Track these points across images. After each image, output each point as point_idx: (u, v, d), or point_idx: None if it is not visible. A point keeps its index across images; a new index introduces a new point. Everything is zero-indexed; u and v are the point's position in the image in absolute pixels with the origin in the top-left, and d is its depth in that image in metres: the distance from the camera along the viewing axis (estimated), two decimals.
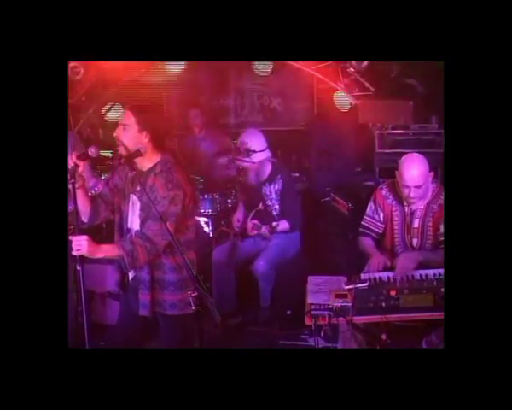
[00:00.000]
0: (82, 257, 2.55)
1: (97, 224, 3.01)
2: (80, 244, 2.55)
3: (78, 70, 5.28)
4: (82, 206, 2.85)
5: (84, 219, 2.90)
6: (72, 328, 3.53)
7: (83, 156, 2.73)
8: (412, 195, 3.38)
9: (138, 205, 2.81)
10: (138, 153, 2.77)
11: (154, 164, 2.84)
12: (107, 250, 2.72)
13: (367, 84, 5.44)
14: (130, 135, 2.79)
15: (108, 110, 5.97)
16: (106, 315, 4.22)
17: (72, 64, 5.12)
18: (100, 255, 2.69)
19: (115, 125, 2.92)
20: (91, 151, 2.79)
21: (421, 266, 3.32)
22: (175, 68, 5.84)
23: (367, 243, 3.61)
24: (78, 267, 2.50)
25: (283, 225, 4.38)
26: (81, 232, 2.60)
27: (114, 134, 2.83)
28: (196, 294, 2.37)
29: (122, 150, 2.82)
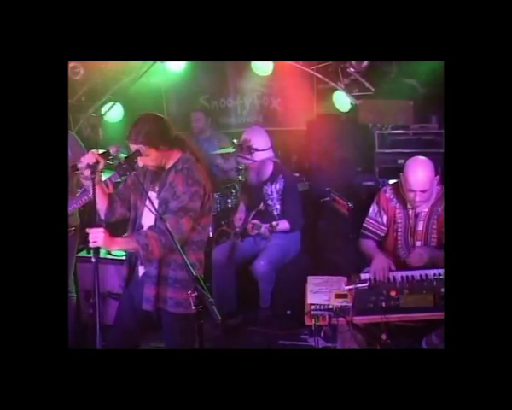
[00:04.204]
0: (97, 249, 2.57)
1: (113, 221, 3.02)
2: (97, 236, 2.58)
3: (78, 70, 5.28)
4: (100, 202, 2.90)
5: (102, 215, 2.95)
6: (73, 328, 3.54)
7: (105, 154, 2.77)
8: (418, 199, 3.37)
9: (156, 202, 2.82)
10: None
11: (176, 161, 2.88)
12: (122, 243, 2.76)
13: (367, 84, 5.44)
14: (149, 158, 2.82)
15: (108, 110, 5.97)
16: (106, 315, 4.22)
17: (72, 64, 5.13)
18: (115, 248, 2.76)
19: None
20: (113, 150, 2.87)
21: (433, 262, 3.31)
22: (175, 68, 5.83)
23: (369, 245, 3.60)
24: (94, 259, 2.52)
25: (283, 224, 4.38)
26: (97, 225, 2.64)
27: (141, 165, 2.84)
28: (196, 294, 2.37)
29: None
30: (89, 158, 2.66)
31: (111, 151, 2.86)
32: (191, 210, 2.76)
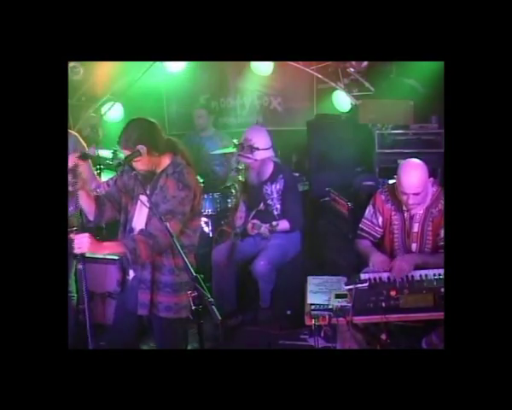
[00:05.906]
0: (83, 256, 2.57)
1: (103, 222, 3.02)
2: (82, 242, 2.57)
3: (78, 70, 5.29)
4: (87, 205, 2.87)
5: (90, 217, 2.92)
6: (72, 328, 3.54)
7: (84, 156, 2.75)
8: (411, 201, 3.36)
9: (147, 205, 2.82)
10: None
11: (167, 166, 2.88)
12: (109, 247, 2.76)
13: (367, 84, 5.44)
14: (140, 162, 2.81)
15: (108, 110, 5.96)
16: (106, 315, 4.22)
17: (72, 64, 5.12)
18: (102, 253, 2.70)
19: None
20: (92, 151, 2.82)
21: (420, 268, 3.31)
22: (175, 68, 5.83)
23: (365, 244, 3.61)
24: (80, 266, 2.51)
25: (283, 224, 4.38)
26: (83, 231, 2.62)
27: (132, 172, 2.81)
28: (196, 294, 2.37)
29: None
30: (69, 162, 2.63)
31: (90, 153, 2.84)
32: (180, 213, 2.77)
